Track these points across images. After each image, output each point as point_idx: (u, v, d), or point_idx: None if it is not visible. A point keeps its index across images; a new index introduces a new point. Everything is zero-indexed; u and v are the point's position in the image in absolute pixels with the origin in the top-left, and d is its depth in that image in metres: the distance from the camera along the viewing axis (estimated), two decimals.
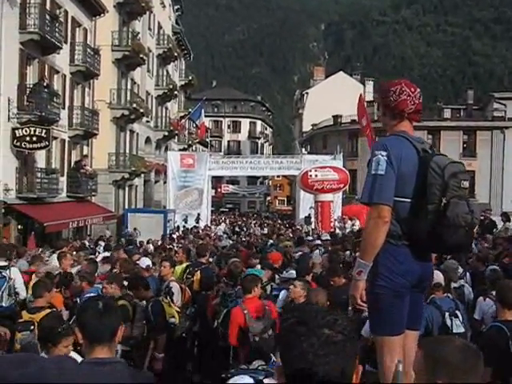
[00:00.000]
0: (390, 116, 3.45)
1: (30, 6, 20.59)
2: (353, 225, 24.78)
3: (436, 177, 3.15)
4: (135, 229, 24.73)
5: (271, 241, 16.65)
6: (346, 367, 1.60)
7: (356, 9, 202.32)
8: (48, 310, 5.55)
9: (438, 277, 5.77)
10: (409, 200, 3.23)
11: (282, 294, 7.13)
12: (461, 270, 8.88)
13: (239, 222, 39.62)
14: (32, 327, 5.27)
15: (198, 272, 8.41)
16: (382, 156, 3.19)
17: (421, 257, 3.30)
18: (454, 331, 5.23)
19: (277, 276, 8.73)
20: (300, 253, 11.82)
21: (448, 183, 3.13)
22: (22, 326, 5.40)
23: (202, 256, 9.17)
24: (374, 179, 3.19)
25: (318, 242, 14.24)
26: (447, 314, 5.36)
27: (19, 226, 20.50)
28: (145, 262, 8.59)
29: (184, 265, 9.16)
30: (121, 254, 12.36)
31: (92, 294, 6.51)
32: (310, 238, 16.14)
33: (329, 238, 15.30)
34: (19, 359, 2.33)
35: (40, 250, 14.05)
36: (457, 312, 5.42)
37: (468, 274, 8.95)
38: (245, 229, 29.70)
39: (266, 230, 28.41)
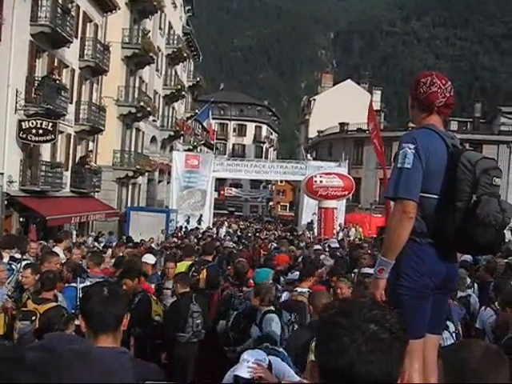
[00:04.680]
0: (419, 109, 3.26)
1: None
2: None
3: (466, 172, 2.97)
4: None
5: (274, 244, 16.53)
6: (391, 369, 1.43)
7: (366, 19, 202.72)
8: (54, 304, 5.37)
9: None
10: (436, 196, 3.04)
11: (285, 295, 7.03)
12: (469, 280, 8.82)
13: (242, 226, 39.41)
14: (33, 318, 5.11)
15: (204, 270, 8.25)
16: (410, 149, 2.99)
17: (446, 257, 3.10)
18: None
19: (282, 278, 8.61)
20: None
21: (479, 179, 2.95)
22: (23, 314, 5.22)
23: (208, 254, 9.00)
24: (400, 173, 2.99)
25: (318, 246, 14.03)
26: None
27: (21, 219, 20.37)
28: (150, 258, 8.40)
29: (189, 262, 8.97)
30: (122, 250, 12.31)
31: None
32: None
33: (338, 245, 15.09)
34: (69, 337, 2.38)
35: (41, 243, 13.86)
36: (447, 322, 5.12)
37: (476, 284, 8.91)
38: (249, 234, 29.45)
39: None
